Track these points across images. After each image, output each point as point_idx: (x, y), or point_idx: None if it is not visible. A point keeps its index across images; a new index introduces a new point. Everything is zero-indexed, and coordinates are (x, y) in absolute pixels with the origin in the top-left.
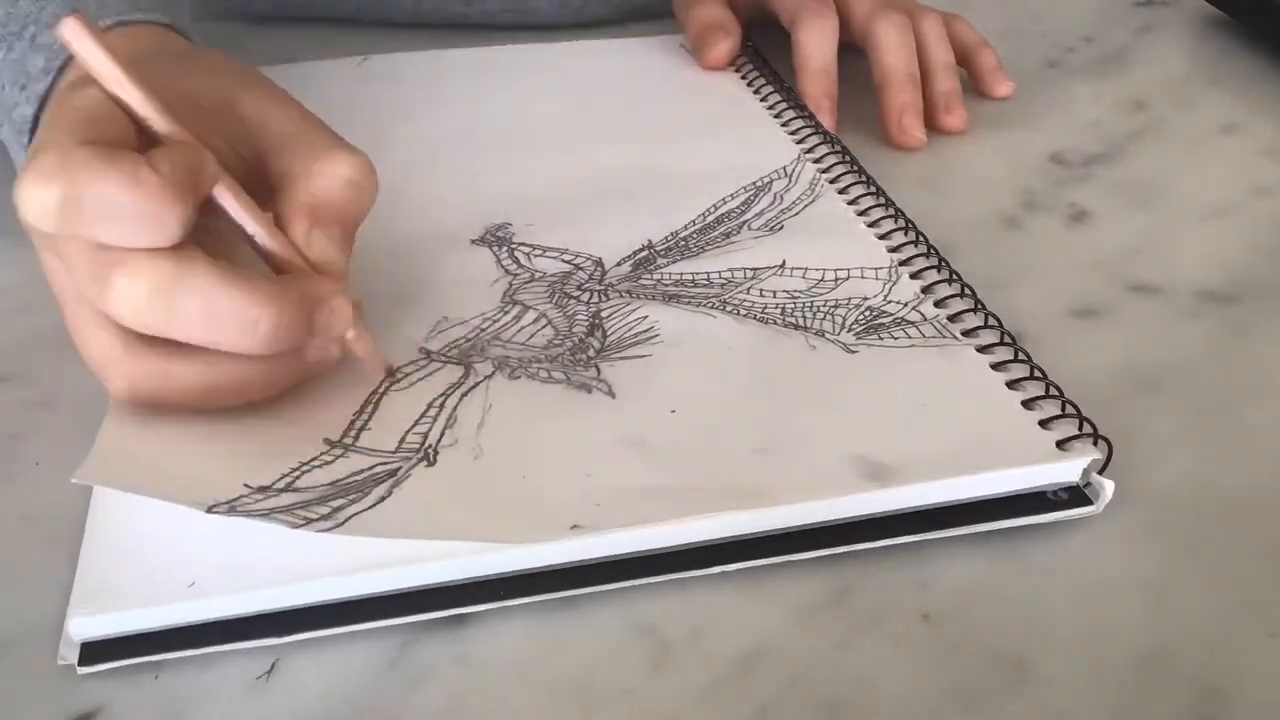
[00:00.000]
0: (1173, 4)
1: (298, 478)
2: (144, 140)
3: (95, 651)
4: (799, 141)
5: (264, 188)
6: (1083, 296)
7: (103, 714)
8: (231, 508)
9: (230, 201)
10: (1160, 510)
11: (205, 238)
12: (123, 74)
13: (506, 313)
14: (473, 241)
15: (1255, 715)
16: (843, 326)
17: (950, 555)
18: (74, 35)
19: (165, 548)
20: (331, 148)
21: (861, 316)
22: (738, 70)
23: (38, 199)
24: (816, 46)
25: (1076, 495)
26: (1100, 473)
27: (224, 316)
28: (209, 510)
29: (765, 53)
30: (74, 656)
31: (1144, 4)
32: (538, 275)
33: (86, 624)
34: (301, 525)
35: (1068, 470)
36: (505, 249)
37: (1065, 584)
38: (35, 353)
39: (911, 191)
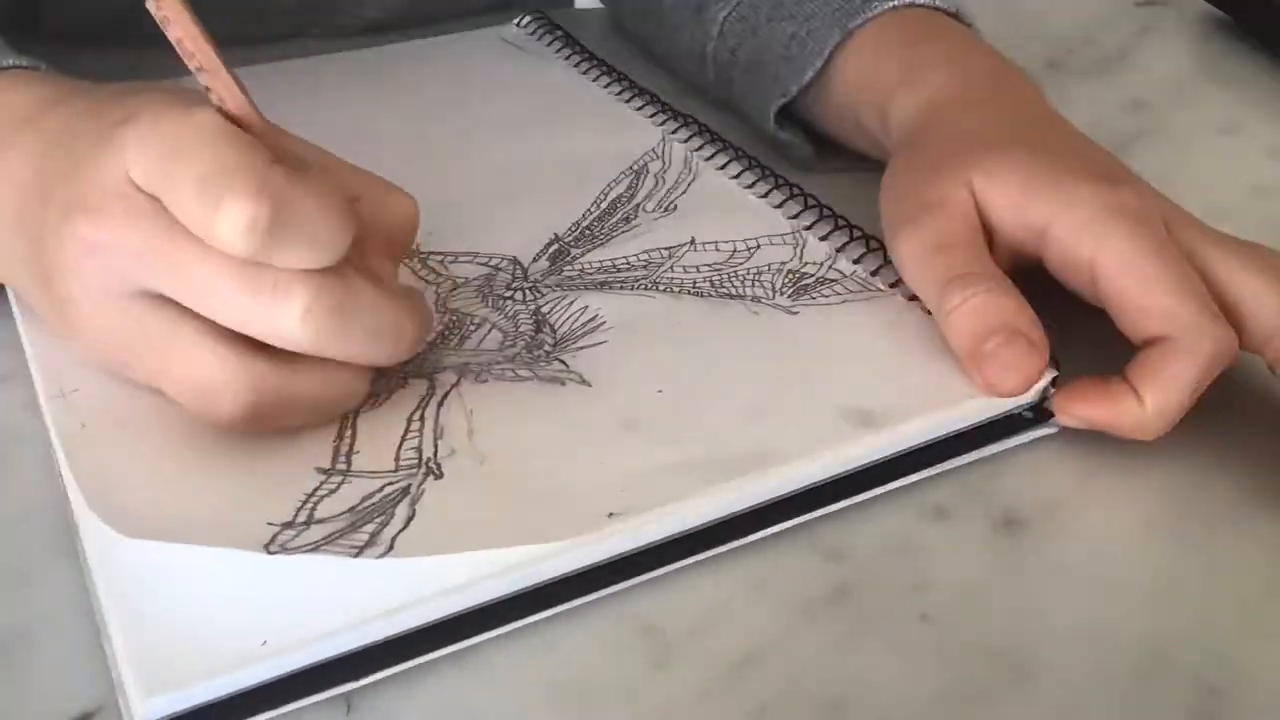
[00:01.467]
0: (1173, 4)
1: (314, 509)
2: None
3: None
4: (659, 124)
5: None
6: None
7: (102, 714)
8: (283, 546)
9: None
10: (1160, 510)
11: None
12: (222, 65)
13: (444, 322)
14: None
15: (1255, 715)
16: (775, 290)
17: (951, 553)
18: (171, 10)
19: (216, 610)
20: (392, 187)
21: (787, 280)
22: (566, 59)
23: (246, 217)
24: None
25: (1041, 413)
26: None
27: (385, 330)
28: (268, 550)
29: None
30: None
31: (1144, 4)
32: (460, 281)
33: (160, 703)
34: (355, 554)
35: (1032, 391)
36: (416, 260)
37: (1065, 584)
38: None
39: None
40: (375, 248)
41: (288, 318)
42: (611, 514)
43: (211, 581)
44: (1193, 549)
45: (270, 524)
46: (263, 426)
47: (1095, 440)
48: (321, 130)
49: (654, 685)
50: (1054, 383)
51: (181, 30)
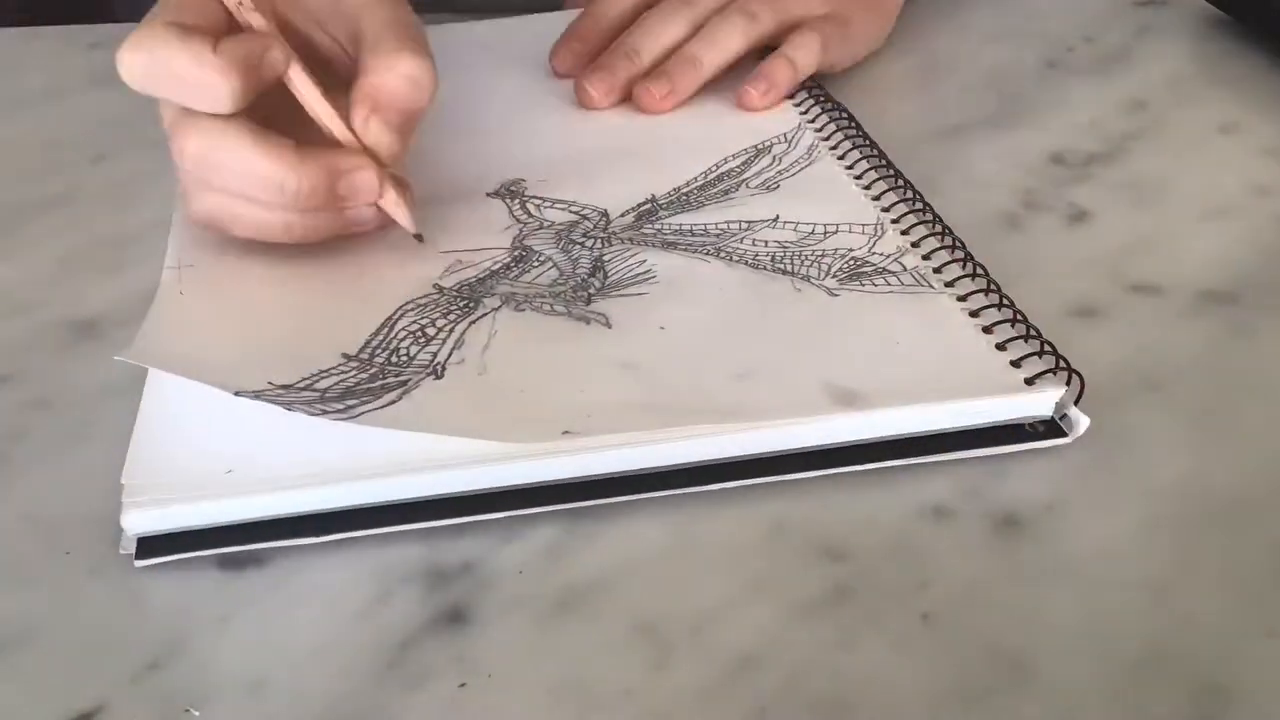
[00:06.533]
0: (1173, 4)
1: (317, 381)
2: (235, 27)
3: (151, 546)
4: (803, 112)
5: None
6: (1083, 296)
7: (103, 713)
8: (257, 395)
9: (299, 87)
10: (1160, 510)
11: (283, 117)
12: None
13: (514, 255)
14: (488, 194)
15: (1255, 715)
16: (827, 273)
17: (951, 553)
18: None
19: (205, 442)
20: (399, 48)
21: (845, 265)
22: None
23: (128, 62)
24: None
25: (1052, 428)
26: (1075, 404)
27: (255, 175)
28: (235, 394)
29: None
30: (132, 548)
31: (1144, 4)
32: (545, 224)
33: (139, 518)
34: (318, 415)
35: (1039, 403)
36: (518, 201)
37: (1065, 584)
38: (35, 353)
39: None
40: (373, 105)
41: (175, 149)
42: (566, 432)
43: (199, 416)
44: (1193, 549)
45: (270, 382)
46: (225, 232)
47: (1095, 440)
48: (485, 85)
49: (654, 685)
50: (1079, 399)
51: None
